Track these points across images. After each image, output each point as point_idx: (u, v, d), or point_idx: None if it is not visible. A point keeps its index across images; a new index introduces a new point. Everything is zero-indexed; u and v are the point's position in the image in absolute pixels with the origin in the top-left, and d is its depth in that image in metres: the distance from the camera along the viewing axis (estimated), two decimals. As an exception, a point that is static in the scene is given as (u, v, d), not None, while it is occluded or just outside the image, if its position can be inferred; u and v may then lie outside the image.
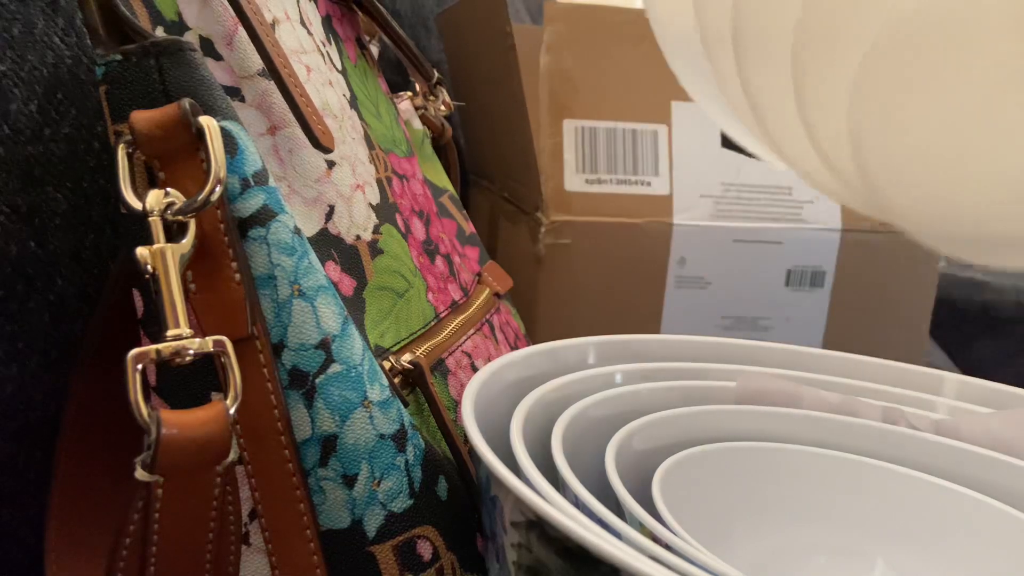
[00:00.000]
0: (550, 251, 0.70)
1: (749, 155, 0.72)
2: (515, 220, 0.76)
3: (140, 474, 0.31)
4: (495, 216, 0.83)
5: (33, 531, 0.42)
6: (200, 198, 0.32)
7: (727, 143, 0.74)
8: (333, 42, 0.47)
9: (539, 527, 0.29)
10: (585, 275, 0.71)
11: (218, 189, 0.32)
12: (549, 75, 0.72)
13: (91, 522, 0.43)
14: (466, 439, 0.42)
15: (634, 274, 0.72)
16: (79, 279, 0.44)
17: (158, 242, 0.32)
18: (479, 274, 0.58)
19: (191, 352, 0.32)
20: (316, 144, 0.37)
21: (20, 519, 0.43)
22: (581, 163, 0.71)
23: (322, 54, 0.44)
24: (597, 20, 0.73)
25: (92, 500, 0.43)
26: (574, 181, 0.70)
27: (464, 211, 0.62)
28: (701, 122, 0.74)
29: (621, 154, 0.72)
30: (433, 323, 0.47)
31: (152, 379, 0.35)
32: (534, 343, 0.71)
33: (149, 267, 0.32)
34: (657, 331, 0.74)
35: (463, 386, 0.46)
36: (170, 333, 0.32)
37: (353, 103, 0.46)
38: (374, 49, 0.55)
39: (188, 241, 0.32)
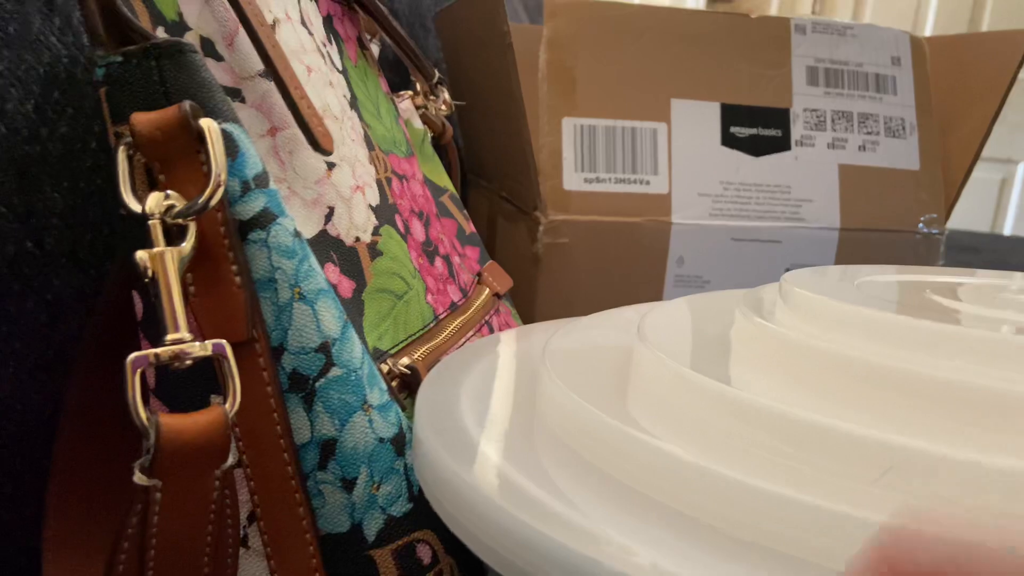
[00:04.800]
0: (548, 250, 0.69)
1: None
2: (513, 219, 0.76)
3: (139, 478, 0.31)
4: (493, 216, 0.83)
5: (29, 533, 0.42)
6: (200, 201, 0.32)
7: (726, 141, 0.74)
8: (334, 42, 0.47)
9: None
10: (584, 274, 0.71)
11: (219, 192, 0.32)
12: (549, 72, 0.72)
13: (87, 524, 0.42)
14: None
15: (633, 273, 0.72)
16: (76, 279, 0.43)
17: (158, 245, 0.32)
18: (479, 274, 0.58)
19: (191, 356, 0.32)
20: (316, 146, 0.37)
21: (16, 521, 0.42)
22: (580, 162, 0.71)
23: (323, 55, 0.44)
24: (597, 15, 0.73)
25: (88, 502, 0.42)
26: (573, 180, 0.70)
27: (465, 211, 0.62)
28: (700, 120, 0.74)
29: (620, 152, 0.72)
30: (432, 325, 0.46)
31: (151, 381, 0.35)
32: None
33: (149, 270, 0.32)
34: (655, 331, 0.74)
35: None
36: (170, 337, 0.32)
37: (353, 104, 0.46)
38: (374, 48, 0.55)
39: (188, 244, 0.32)
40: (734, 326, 0.38)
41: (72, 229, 0.43)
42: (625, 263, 0.71)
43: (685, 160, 0.73)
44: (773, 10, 2.43)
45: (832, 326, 0.34)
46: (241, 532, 0.35)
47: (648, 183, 0.72)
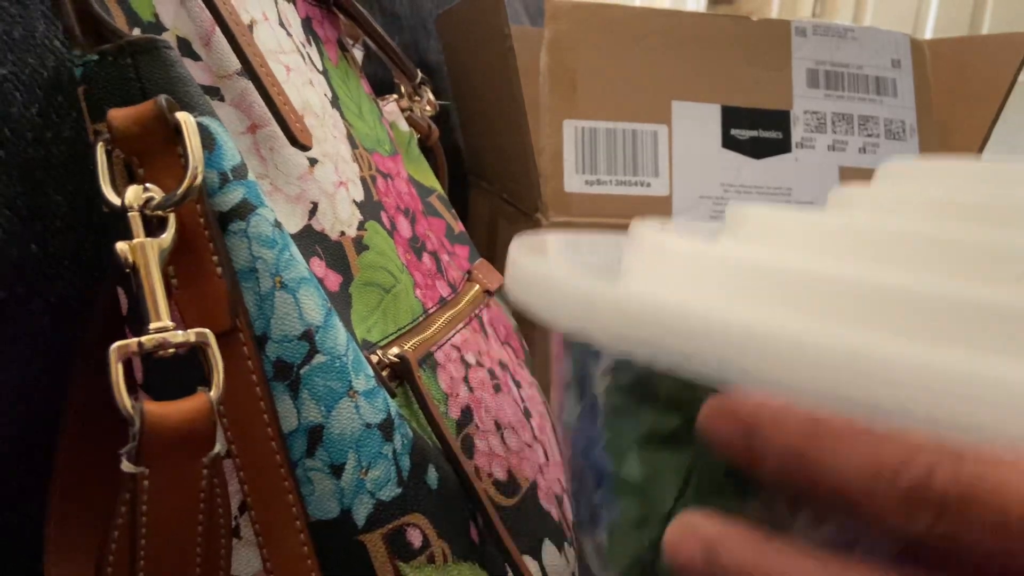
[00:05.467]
0: (550, 252, 0.70)
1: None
2: (514, 221, 0.76)
3: (125, 466, 0.32)
4: (494, 217, 0.84)
5: (32, 532, 0.43)
6: (179, 192, 0.33)
7: (727, 143, 0.74)
8: (313, 43, 0.48)
9: None
10: (585, 275, 0.71)
11: (196, 183, 0.33)
12: (550, 74, 0.72)
13: (89, 523, 0.43)
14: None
15: (634, 274, 0.72)
16: (80, 281, 0.44)
17: (138, 237, 0.33)
18: (469, 272, 0.58)
19: (173, 344, 0.33)
20: (293, 141, 0.38)
21: (20, 520, 0.43)
22: (581, 164, 0.71)
23: (302, 54, 0.45)
24: (599, 18, 0.73)
25: (90, 501, 0.43)
26: (574, 182, 0.71)
27: (453, 210, 0.63)
28: (701, 122, 0.74)
29: (621, 155, 0.72)
30: (421, 319, 0.47)
31: (138, 376, 0.36)
32: (533, 344, 0.72)
33: (130, 261, 0.32)
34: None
35: (453, 379, 0.46)
36: (152, 326, 0.32)
37: (335, 103, 0.47)
38: (358, 53, 0.56)
39: (168, 235, 0.33)
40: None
41: (76, 232, 0.44)
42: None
43: (686, 162, 0.73)
44: (774, 12, 2.42)
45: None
46: (232, 522, 0.36)
47: (649, 185, 0.72)
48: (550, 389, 0.38)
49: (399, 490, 0.38)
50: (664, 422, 0.27)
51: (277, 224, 0.36)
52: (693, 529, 0.24)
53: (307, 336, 0.36)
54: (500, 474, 0.47)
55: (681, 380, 0.24)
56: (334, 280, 0.41)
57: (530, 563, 0.45)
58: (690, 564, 0.24)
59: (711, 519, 0.24)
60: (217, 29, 0.37)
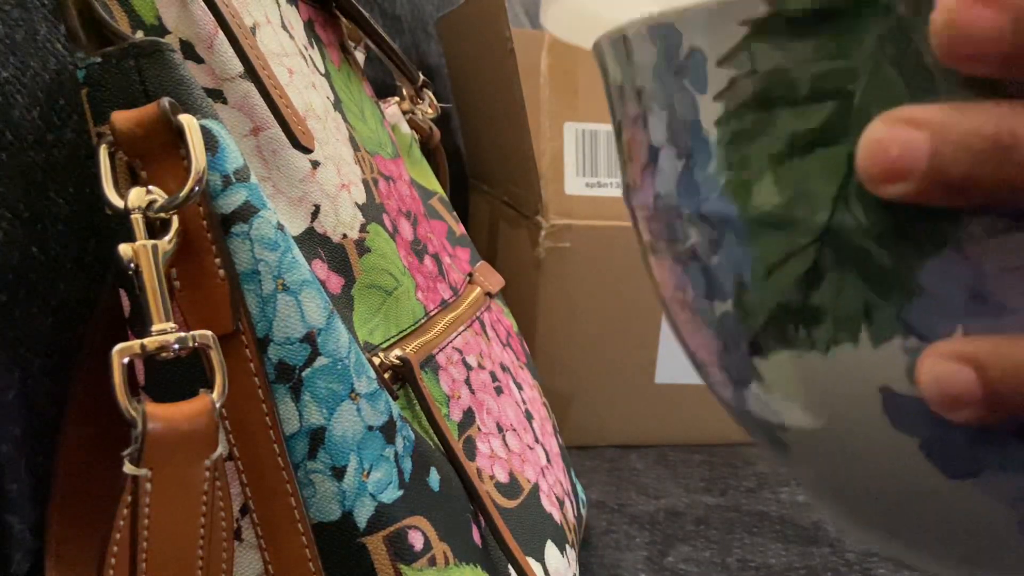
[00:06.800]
0: (550, 255, 0.70)
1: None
2: (515, 224, 0.76)
3: (127, 468, 0.32)
4: (495, 220, 0.84)
5: (34, 534, 0.43)
6: (181, 195, 0.33)
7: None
8: (316, 46, 0.48)
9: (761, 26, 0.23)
10: (585, 278, 0.71)
11: (199, 186, 0.33)
12: (551, 77, 0.72)
13: (91, 525, 0.43)
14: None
15: (634, 277, 0.72)
16: (81, 284, 0.44)
17: (140, 239, 0.33)
18: (470, 274, 0.58)
19: (176, 346, 0.33)
20: (296, 144, 0.38)
21: (22, 522, 0.43)
22: (582, 166, 0.71)
23: (304, 57, 0.45)
24: (599, 22, 0.73)
25: (91, 503, 0.43)
26: (575, 184, 0.71)
27: (454, 213, 0.63)
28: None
29: (622, 157, 0.72)
30: (423, 321, 0.47)
31: (140, 378, 0.36)
32: (534, 346, 0.72)
33: (132, 263, 0.32)
34: (656, 335, 0.74)
35: (454, 381, 0.47)
36: (154, 328, 0.32)
37: (337, 105, 0.47)
38: (360, 56, 0.56)
39: (171, 238, 0.33)
40: None
41: (77, 235, 0.44)
42: (626, 267, 0.72)
43: (687, 164, 0.73)
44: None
45: None
46: (234, 525, 0.36)
47: (650, 187, 0.72)
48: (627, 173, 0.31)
49: (401, 492, 0.38)
50: (809, 118, 0.23)
51: (279, 226, 0.36)
52: (907, 117, 0.19)
53: (309, 338, 0.36)
54: (502, 476, 0.47)
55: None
56: (336, 282, 0.41)
57: (533, 564, 0.45)
58: (906, 154, 0.19)
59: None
60: (220, 32, 0.37)
